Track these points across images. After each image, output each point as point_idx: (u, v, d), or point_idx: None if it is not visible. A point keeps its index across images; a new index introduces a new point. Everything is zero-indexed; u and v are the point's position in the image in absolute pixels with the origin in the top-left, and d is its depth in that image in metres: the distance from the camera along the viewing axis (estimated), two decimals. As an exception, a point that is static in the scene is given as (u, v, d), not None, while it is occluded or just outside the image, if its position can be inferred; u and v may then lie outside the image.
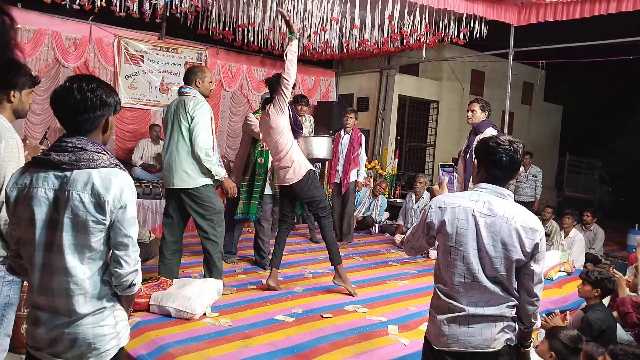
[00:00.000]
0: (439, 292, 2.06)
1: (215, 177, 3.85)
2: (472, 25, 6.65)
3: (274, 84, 4.06)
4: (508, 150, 1.97)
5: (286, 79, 3.87)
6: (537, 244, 1.94)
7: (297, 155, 4.05)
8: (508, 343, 2.02)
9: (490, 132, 4.69)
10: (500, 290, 1.97)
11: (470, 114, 4.97)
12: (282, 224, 4.34)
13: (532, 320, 2.08)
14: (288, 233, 4.36)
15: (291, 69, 3.86)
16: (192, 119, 3.73)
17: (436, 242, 2.13)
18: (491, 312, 1.98)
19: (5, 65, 1.15)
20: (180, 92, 3.90)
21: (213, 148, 3.85)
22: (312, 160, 4.30)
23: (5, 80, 1.90)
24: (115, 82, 7.04)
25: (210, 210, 3.87)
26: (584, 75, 10.66)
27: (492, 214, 1.95)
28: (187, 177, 3.80)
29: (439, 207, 2.04)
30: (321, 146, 4.88)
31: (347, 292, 4.15)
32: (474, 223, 1.95)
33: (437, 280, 2.09)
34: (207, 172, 3.83)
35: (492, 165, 1.99)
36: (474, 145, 2.14)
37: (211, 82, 4.01)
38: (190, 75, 3.90)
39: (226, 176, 3.95)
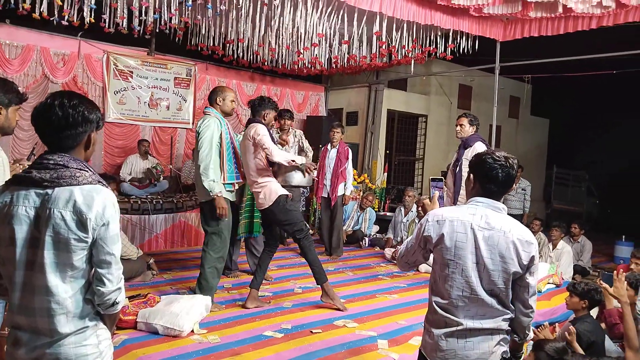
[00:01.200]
0: (435, 306, 2.05)
1: (210, 192, 3.90)
2: (458, 41, 6.75)
3: (256, 106, 4.19)
4: (504, 166, 2.00)
5: (270, 156, 3.95)
6: (533, 256, 1.98)
7: (267, 181, 4.06)
8: (504, 356, 2.03)
9: (479, 146, 4.74)
10: (497, 303, 1.99)
11: (458, 128, 5.01)
12: (266, 246, 4.34)
13: (527, 332, 2.11)
14: (271, 256, 4.32)
15: (276, 159, 3.95)
16: (197, 134, 3.98)
17: (431, 256, 2.13)
18: (488, 326, 1.99)
19: None
20: (204, 113, 4.16)
21: (223, 161, 3.97)
22: (290, 187, 4.28)
23: None
24: (104, 98, 7.04)
25: (215, 225, 4.01)
26: (569, 89, 10.81)
27: (489, 227, 1.97)
28: (202, 191, 4.01)
29: (437, 221, 2.05)
30: (300, 174, 4.82)
31: (336, 308, 4.14)
32: (473, 236, 1.97)
33: (434, 293, 2.09)
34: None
35: (488, 180, 2.02)
36: (469, 160, 2.17)
37: (233, 100, 4.18)
38: (212, 95, 4.15)
39: (220, 194, 3.95)
